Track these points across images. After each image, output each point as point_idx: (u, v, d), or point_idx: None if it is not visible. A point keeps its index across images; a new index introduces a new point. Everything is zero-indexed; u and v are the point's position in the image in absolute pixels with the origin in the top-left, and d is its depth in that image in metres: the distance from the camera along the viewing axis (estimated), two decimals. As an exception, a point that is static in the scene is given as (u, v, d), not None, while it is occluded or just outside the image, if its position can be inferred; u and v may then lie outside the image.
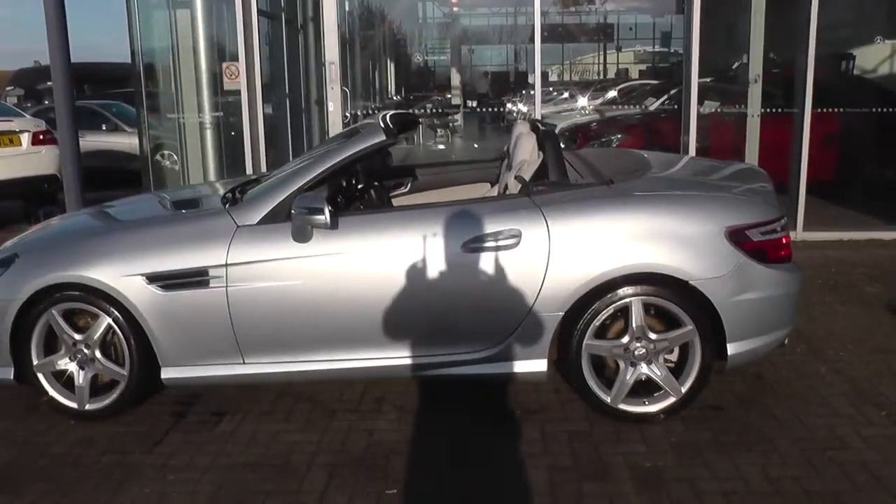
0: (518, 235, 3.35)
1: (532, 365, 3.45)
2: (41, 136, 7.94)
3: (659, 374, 3.42)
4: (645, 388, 3.47)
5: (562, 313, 3.36)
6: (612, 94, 12.71)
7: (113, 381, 3.70)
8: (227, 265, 3.44)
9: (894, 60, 8.63)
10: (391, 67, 16.29)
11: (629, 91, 12.60)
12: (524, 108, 14.49)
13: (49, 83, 7.94)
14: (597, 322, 3.38)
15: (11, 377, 3.73)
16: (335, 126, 6.81)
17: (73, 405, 3.71)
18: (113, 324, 3.58)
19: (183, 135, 7.03)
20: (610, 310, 3.36)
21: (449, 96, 14.81)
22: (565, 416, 3.55)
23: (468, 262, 3.37)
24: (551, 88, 18.40)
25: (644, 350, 3.40)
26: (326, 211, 3.25)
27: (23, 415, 3.81)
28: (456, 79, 15.30)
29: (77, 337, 3.65)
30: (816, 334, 4.39)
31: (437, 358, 3.49)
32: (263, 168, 6.89)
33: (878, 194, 7.63)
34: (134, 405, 3.75)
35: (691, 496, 2.91)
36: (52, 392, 3.72)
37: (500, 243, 3.35)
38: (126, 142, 9.66)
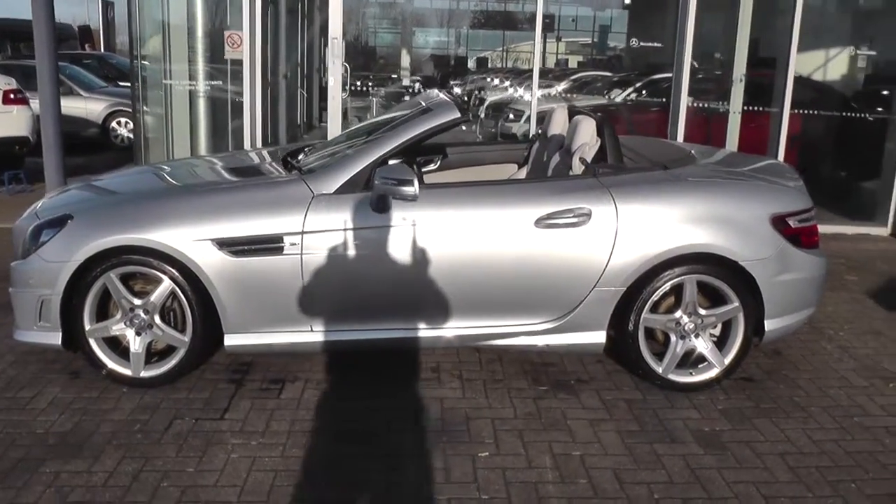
0: (588, 214, 3.55)
1: (592, 336, 3.68)
2: (11, 95, 7.47)
3: (706, 347, 3.72)
4: (688, 360, 3.76)
5: (624, 289, 3.60)
6: (565, 84, 13.11)
7: (168, 347, 3.68)
8: (303, 232, 3.48)
9: (827, 68, 9.43)
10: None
11: (585, 82, 13.08)
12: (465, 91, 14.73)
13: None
14: (655, 297, 3.63)
15: (59, 342, 3.64)
16: (335, 100, 6.80)
17: (127, 372, 3.66)
18: (177, 289, 3.55)
19: (169, 103, 6.82)
20: (667, 286, 3.62)
21: (395, 76, 14.87)
22: (616, 386, 3.79)
23: (540, 237, 3.55)
24: (488, 76, 18.74)
25: (693, 325, 3.69)
26: (416, 182, 3.34)
27: (66, 382, 3.72)
28: (406, 60, 15.33)
29: (136, 302, 3.59)
30: (815, 316, 4.83)
31: (504, 329, 3.66)
32: (259, 141, 6.79)
33: (834, 192, 8.25)
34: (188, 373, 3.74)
35: (752, 456, 3.21)
36: (103, 358, 3.66)
37: (572, 221, 3.54)
38: (82, 107, 9.17)
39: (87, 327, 3.62)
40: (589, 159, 3.79)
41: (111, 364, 3.66)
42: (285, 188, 3.61)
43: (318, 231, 3.49)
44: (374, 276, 3.54)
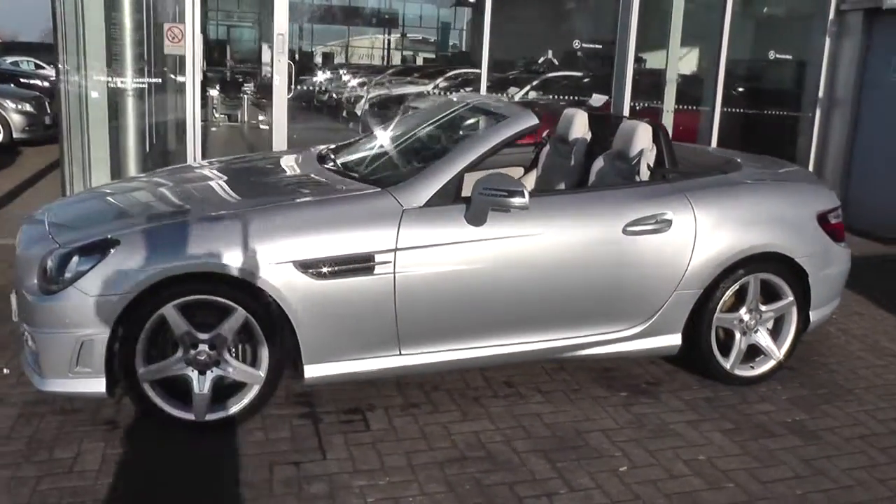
0: (670, 219, 3.59)
1: (670, 339, 3.74)
2: None
3: (766, 341, 3.91)
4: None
5: (700, 291, 3.69)
6: (444, 82, 13.16)
7: (233, 385, 3.24)
8: (395, 250, 3.21)
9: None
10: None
11: (464, 79, 13.18)
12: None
13: None
14: (725, 297, 3.76)
15: (103, 389, 3.09)
16: (280, 99, 6.31)
17: (188, 416, 3.17)
18: (251, 319, 3.13)
19: (85, 104, 5.95)
20: (736, 286, 3.76)
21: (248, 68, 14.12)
22: (683, 385, 3.88)
23: (628, 244, 3.54)
24: (342, 71, 18.38)
25: (753, 321, 3.86)
26: (526, 192, 3.19)
27: (107, 435, 3.16)
28: (267, 55, 14.57)
29: (201, 336, 3.12)
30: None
31: (590, 338, 3.61)
32: (197, 144, 6.13)
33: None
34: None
35: (842, 442, 3.42)
36: (159, 403, 3.15)
37: (655, 227, 3.56)
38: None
39: (141, 370, 3.10)
40: (652, 164, 3.84)
41: (168, 409, 3.17)
42: (372, 202, 3.29)
43: (411, 248, 3.23)
44: (466, 294, 3.34)
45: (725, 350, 3.85)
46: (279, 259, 3.09)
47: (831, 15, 7.41)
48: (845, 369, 4.20)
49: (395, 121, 4.60)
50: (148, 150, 6.70)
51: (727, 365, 3.84)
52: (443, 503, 2.80)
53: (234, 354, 3.21)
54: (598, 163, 4.15)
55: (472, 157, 3.41)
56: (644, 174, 3.79)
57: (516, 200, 3.19)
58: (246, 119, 13.41)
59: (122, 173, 6.39)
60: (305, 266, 3.12)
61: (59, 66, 5.79)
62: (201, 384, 3.16)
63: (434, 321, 3.34)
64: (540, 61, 13.50)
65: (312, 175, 3.76)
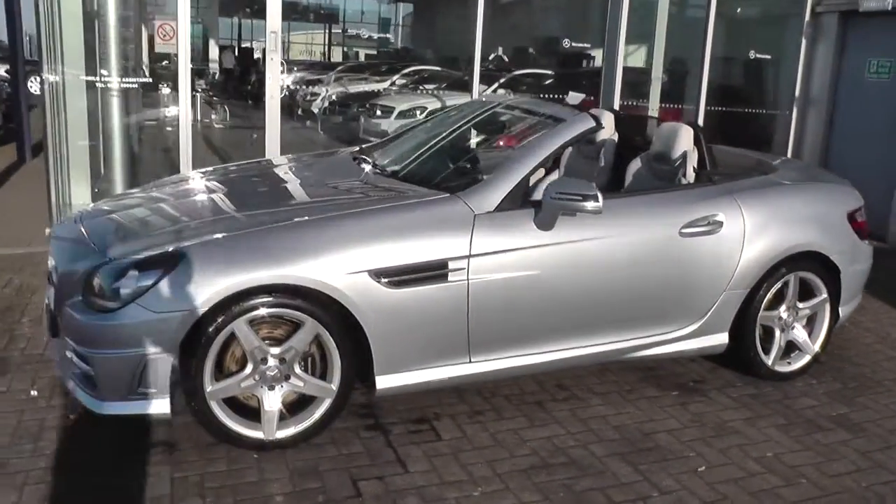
0: (721, 221, 3.65)
1: (718, 339, 3.80)
2: None
3: (803, 336, 4.02)
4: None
5: (747, 290, 3.76)
6: (401, 79, 13.11)
7: (301, 400, 3.12)
8: (469, 256, 3.15)
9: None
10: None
11: (422, 76, 13.15)
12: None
13: None
14: (769, 296, 3.85)
15: (167, 410, 2.92)
16: (273, 100, 6.10)
17: (257, 435, 3.04)
18: (322, 330, 3.02)
19: (61, 99, 5.60)
20: (778, 284, 3.85)
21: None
22: (727, 383, 3.95)
23: (684, 245, 3.58)
24: (294, 67, 18.02)
25: (791, 318, 3.97)
26: (600, 196, 3.18)
27: (168, 457, 3.00)
28: (215, 51, 14.12)
29: (273, 351, 2.99)
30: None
31: (648, 339, 3.64)
32: (188, 147, 5.86)
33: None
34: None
35: (887, 433, 3.55)
36: (227, 422, 3.00)
37: (708, 228, 3.62)
38: None
39: (209, 388, 2.94)
40: (696, 166, 3.89)
41: (236, 427, 3.02)
42: (444, 208, 3.22)
43: (484, 254, 3.18)
44: (538, 298, 3.32)
45: (765, 347, 3.94)
46: (353, 268, 2.99)
47: (807, 16, 7.69)
48: (869, 362, 4.37)
49: (428, 123, 4.51)
50: (134, 154, 6.38)
51: (769, 361, 3.94)
52: (542, 512, 2.77)
53: (303, 368, 3.10)
54: (635, 164, 4.18)
55: (537, 161, 3.38)
56: (690, 176, 3.84)
57: (590, 204, 3.17)
58: (199, 118, 12.97)
59: (107, 179, 6.08)
60: (379, 275, 3.03)
61: (43, 67, 5.45)
62: (271, 400, 3.03)
63: (505, 327, 3.30)
64: (490, 58, 13.54)
65: (368, 181, 3.65)
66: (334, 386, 3.09)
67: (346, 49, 28.82)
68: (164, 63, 6.27)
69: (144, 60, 6.31)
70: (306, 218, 3.08)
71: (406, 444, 3.18)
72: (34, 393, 3.49)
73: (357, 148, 4.46)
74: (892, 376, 4.19)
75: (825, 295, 4.01)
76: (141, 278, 2.86)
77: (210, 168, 4.31)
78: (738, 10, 7.73)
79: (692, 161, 3.87)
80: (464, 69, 13.73)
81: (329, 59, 27.77)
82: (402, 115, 11.29)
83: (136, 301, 2.83)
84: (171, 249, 2.91)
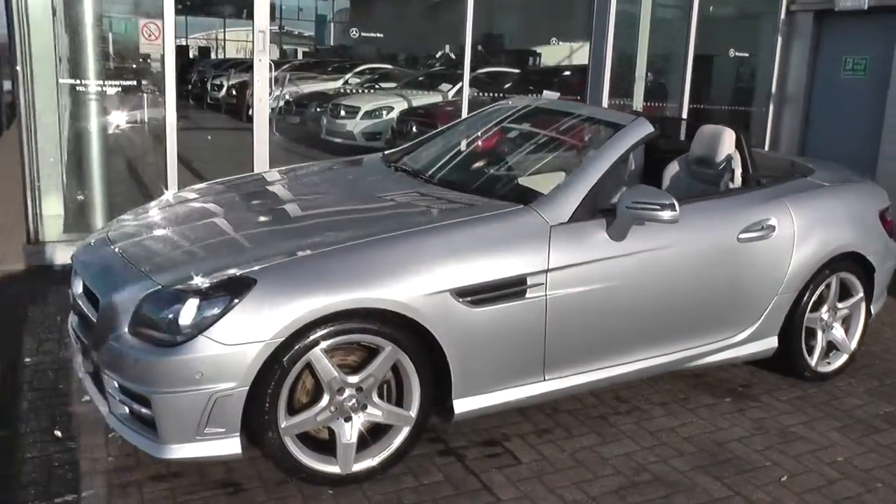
0: (774, 225, 3.63)
1: (769, 343, 3.79)
2: None
3: (839, 336, 4.06)
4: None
5: (795, 294, 3.76)
6: (355, 77, 12.81)
7: (374, 429, 2.92)
8: (547, 271, 3.02)
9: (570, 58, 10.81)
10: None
11: (375, 75, 12.85)
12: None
13: None
14: (814, 298, 3.85)
15: (238, 450, 2.69)
16: (262, 103, 5.80)
17: (332, 469, 2.83)
18: (402, 355, 2.83)
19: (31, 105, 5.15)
20: (823, 286, 3.87)
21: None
22: (773, 386, 3.93)
23: (742, 251, 3.54)
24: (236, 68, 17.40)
25: (831, 318, 4.00)
26: (677, 205, 3.09)
27: (234, 499, 2.76)
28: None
29: (350, 380, 2.79)
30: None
31: (708, 346, 3.59)
32: (175, 152, 5.50)
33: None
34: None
35: (937, 429, 3.63)
36: (302, 458, 2.78)
37: (762, 233, 3.59)
38: None
39: (284, 424, 2.72)
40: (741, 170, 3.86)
41: (311, 463, 2.81)
42: (519, 220, 3.07)
43: (561, 267, 3.05)
44: (612, 311, 3.22)
45: (807, 349, 3.96)
46: (435, 288, 2.82)
47: (782, 15, 7.86)
48: (894, 356, 4.45)
49: (460, 126, 4.32)
50: (112, 163, 5.97)
51: (813, 363, 3.96)
52: (650, 537, 2.67)
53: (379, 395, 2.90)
54: (672, 168, 4.13)
55: (605, 169, 3.27)
56: (737, 181, 3.81)
57: (667, 214, 3.08)
58: (146, 119, 12.35)
59: (82, 189, 5.67)
60: (460, 294, 2.86)
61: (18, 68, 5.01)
62: (347, 432, 2.83)
63: (579, 343, 3.18)
64: (437, 56, 13.40)
65: (425, 192, 3.46)
66: (413, 413, 2.91)
67: (283, 47, 28.10)
68: (145, 64, 5.88)
69: (122, 61, 5.89)
70: (380, 236, 2.87)
71: (486, 469, 3.03)
72: (58, 433, 3.18)
73: (381, 154, 4.25)
74: (920, 369, 4.29)
75: (861, 294, 4.06)
76: (206, 307, 2.61)
77: (228, 179, 4.03)
78: (712, 8, 7.81)
79: (738, 165, 3.83)
80: (421, 67, 13.55)
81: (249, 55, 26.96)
82: (367, 115, 11.02)
83: (205, 333, 2.58)
84: (238, 274, 2.67)
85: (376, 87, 13.15)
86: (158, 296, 2.69)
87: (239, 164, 6.05)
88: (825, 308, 3.96)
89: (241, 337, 2.59)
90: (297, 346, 2.66)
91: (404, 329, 2.81)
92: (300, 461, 2.77)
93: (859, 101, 7.37)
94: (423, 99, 10.89)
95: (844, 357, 4.09)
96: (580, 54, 8.71)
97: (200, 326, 2.59)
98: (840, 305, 4.03)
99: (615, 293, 3.21)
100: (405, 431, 2.92)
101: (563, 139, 3.80)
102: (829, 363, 4.06)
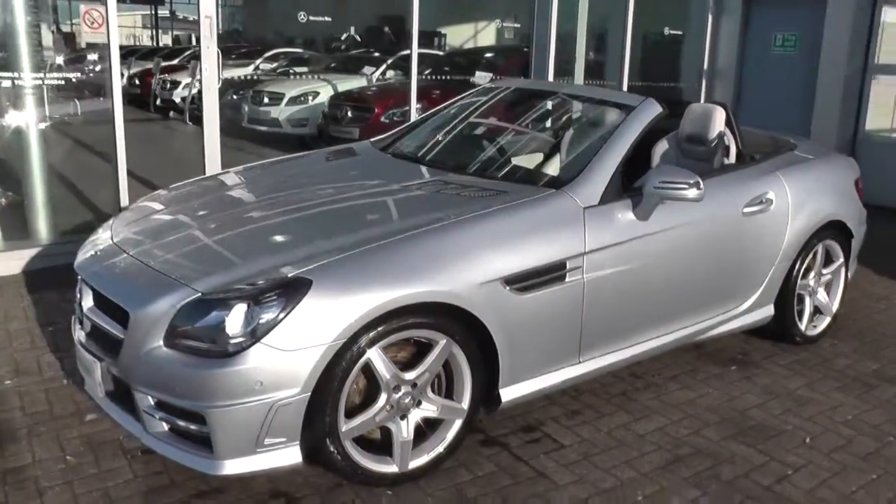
0: (771, 198, 3.77)
1: (766, 311, 3.96)
2: None
3: (824, 300, 4.28)
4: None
5: (790, 263, 3.94)
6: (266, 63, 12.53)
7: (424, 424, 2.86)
8: (585, 253, 3.03)
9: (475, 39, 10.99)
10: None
11: (286, 60, 12.55)
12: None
13: None
14: (805, 265, 4.04)
15: (300, 459, 2.58)
16: (211, 92, 5.50)
17: (389, 469, 2.76)
18: (455, 348, 2.78)
19: None
20: (811, 254, 4.06)
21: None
22: (768, 353, 4.10)
23: (747, 224, 3.67)
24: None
25: (816, 284, 4.21)
26: (702, 182, 3.16)
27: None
28: (47, 37, 12.50)
29: (406, 376, 2.72)
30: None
31: (715, 319, 3.72)
32: (124, 147, 5.15)
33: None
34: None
35: (922, 381, 3.89)
36: (361, 460, 2.70)
37: (762, 206, 3.73)
38: None
39: (344, 428, 2.62)
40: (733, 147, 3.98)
41: (370, 465, 2.72)
42: (555, 203, 3.06)
43: (597, 249, 3.07)
44: (642, 290, 3.28)
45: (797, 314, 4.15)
46: (487, 277, 2.78)
47: (712, -8, 8.16)
48: (862, 316, 4.74)
49: (451, 111, 4.22)
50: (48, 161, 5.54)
51: (803, 327, 4.16)
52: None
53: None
54: (662, 146, 4.20)
55: (625, 150, 3.30)
56: (733, 157, 3.93)
57: (693, 192, 3.14)
58: (48, 115, 11.54)
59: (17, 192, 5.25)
60: (508, 282, 2.84)
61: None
62: (404, 430, 2.75)
63: (612, 323, 3.23)
64: (343, 38, 13.18)
65: (449, 181, 3.38)
66: (465, 405, 2.87)
67: (175, 33, 26.86)
68: (84, 55, 5.48)
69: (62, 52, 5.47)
70: (430, 227, 2.80)
71: (534, 456, 3.03)
72: (71, 459, 2.95)
73: (369, 142, 4.14)
74: (893, 327, 4.58)
75: (842, 259, 4.29)
76: (258, 313, 2.47)
77: (218, 173, 3.83)
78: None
79: (732, 142, 3.95)
80: (325, 50, 13.21)
81: (157, 43, 25.79)
82: (293, 101, 10.72)
83: (263, 340, 2.44)
84: (291, 275, 2.53)
85: (291, 72, 12.82)
86: (200, 304, 2.52)
87: (159, 156, 5.72)
88: (812, 275, 4.16)
89: (302, 342, 2.47)
90: (355, 347, 2.56)
91: (457, 321, 2.76)
92: (359, 464, 2.69)
93: (791, 75, 7.74)
94: (347, 83, 10.67)
95: (828, 320, 4.33)
96: (511, 35, 8.77)
97: (256, 334, 2.45)
98: (825, 271, 4.24)
99: (643, 272, 3.26)
100: (457, 424, 2.88)
101: (575, 122, 3.81)
102: (815, 326, 4.28)
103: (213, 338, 2.48)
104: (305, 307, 2.48)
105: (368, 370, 2.64)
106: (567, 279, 3.00)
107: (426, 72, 10.19)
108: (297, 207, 3.19)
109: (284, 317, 2.46)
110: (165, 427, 2.63)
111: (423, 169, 3.56)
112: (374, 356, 2.61)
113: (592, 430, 3.25)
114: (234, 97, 12.02)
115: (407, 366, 2.75)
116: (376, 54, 12.21)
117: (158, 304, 2.57)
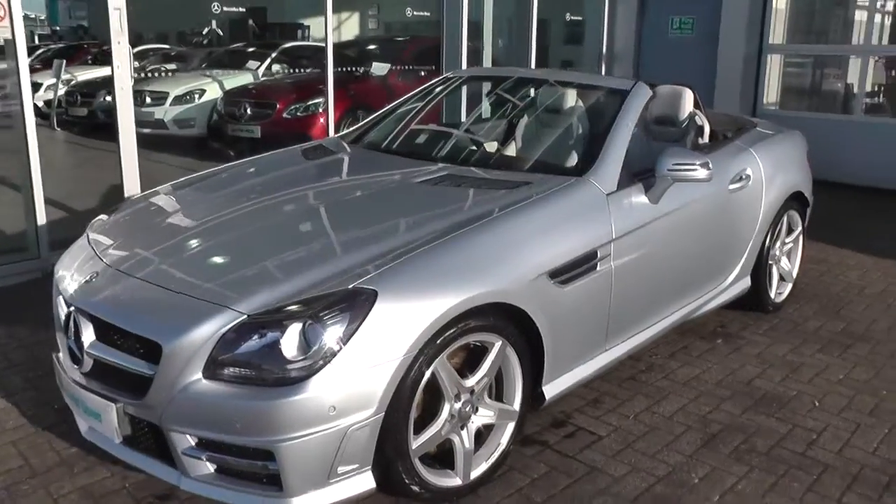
0: (749, 174, 3.92)
1: (744, 283, 4.13)
2: None
3: (787, 267, 4.51)
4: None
5: (764, 235, 4.11)
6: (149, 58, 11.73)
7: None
8: (612, 241, 3.01)
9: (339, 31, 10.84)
10: None
11: (154, 57, 11.80)
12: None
13: None
14: (774, 236, 4.23)
15: (374, 484, 2.41)
16: (124, 91, 5.02)
17: (453, 482, 2.64)
18: (509, 348, 2.68)
19: None
20: (780, 224, 4.26)
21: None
22: (745, 323, 4.27)
23: (732, 200, 3.81)
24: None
25: (780, 252, 4.43)
26: (710, 163, 3.21)
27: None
28: None
29: (467, 383, 2.60)
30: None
31: (708, 294, 3.83)
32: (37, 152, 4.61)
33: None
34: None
35: (885, 336, 4.16)
36: (428, 477, 2.55)
37: (742, 182, 3.87)
38: None
39: (414, 445, 2.47)
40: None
41: (437, 481, 2.58)
42: (582, 192, 3.01)
43: (622, 235, 3.07)
44: (659, 272, 3.32)
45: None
46: (535, 272, 2.70)
47: (607, -24, 8.37)
48: (814, 280, 5.04)
49: (417, 103, 4.06)
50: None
51: (773, 295, 4.37)
52: (764, 481, 2.81)
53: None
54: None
55: (629, 134, 3.32)
56: (706, 136, 4.03)
57: (703, 173, 3.19)
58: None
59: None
60: (553, 275, 2.77)
61: None
62: (465, 439, 2.63)
63: (633, 308, 3.24)
64: (205, 32, 12.62)
65: (462, 174, 3.25)
66: (517, 406, 2.78)
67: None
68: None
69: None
70: (476, 225, 2.67)
71: (578, 450, 2.99)
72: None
73: (337, 137, 3.94)
74: (842, 287, 4.91)
75: (800, 227, 4.54)
76: (320, 330, 2.26)
77: (195, 176, 3.51)
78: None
79: (704, 121, 4.06)
80: (187, 44, 12.53)
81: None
82: (178, 100, 10.05)
83: (333, 361, 2.24)
84: (350, 286, 2.33)
85: (163, 68, 12.05)
86: (247, 328, 2.28)
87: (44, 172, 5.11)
88: (778, 244, 4.38)
89: (374, 358, 2.29)
90: (422, 358, 2.40)
91: (510, 321, 2.66)
92: (428, 481, 2.54)
93: (688, 57, 8.11)
94: (234, 79, 10.18)
95: (790, 286, 4.57)
96: (421, 24, 8.65)
97: (322, 354, 2.24)
98: (787, 240, 4.47)
99: (657, 254, 3.30)
100: (510, 427, 2.79)
101: (572, 109, 3.77)
102: (780, 294, 4.50)
103: (267, 364, 2.25)
104: (373, 320, 2.29)
105: (428, 381, 2.49)
106: (598, 267, 2.97)
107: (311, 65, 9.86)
108: (313, 210, 2.97)
109: (353, 333, 2.26)
110: (211, 469, 2.36)
111: (429, 163, 3.41)
112: (441, 365, 2.47)
113: (620, 417, 3.25)
114: (106, 99, 11.16)
115: (462, 372, 2.62)
116: (251, 49, 11.73)
117: (197, 332, 2.30)
